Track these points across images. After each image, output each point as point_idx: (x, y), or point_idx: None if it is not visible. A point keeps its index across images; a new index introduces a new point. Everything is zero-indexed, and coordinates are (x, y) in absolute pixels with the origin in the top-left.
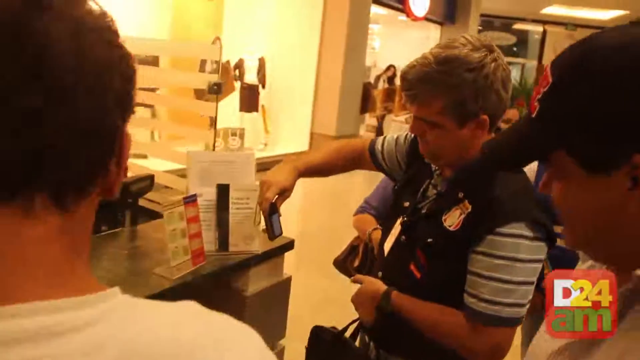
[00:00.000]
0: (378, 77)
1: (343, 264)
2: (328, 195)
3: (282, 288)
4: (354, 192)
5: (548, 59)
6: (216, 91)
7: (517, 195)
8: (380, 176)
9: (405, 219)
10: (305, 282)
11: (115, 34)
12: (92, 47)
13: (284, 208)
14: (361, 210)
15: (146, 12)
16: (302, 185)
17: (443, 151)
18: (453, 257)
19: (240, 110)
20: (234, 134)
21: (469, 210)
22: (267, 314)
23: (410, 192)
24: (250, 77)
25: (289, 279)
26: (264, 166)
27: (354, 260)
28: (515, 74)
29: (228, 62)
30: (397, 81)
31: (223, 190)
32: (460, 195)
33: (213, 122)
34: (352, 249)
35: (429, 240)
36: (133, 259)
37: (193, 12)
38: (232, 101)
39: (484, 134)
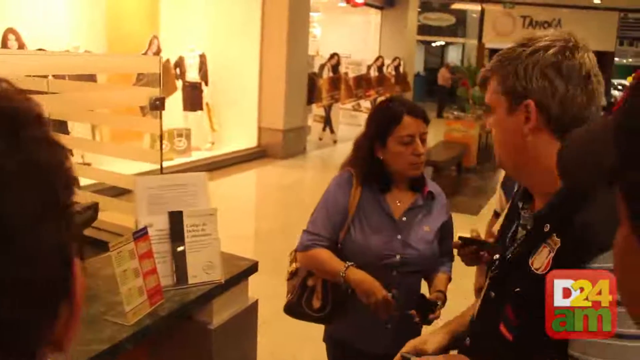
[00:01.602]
0: (322, 66)
1: (297, 308)
2: (279, 191)
3: (249, 314)
4: (304, 186)
5: (488, 37)
6: (158, 107)
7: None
8: (324, 183)
9: (493, 272)
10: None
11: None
12: None
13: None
14: (311, 243)
15: (78, 9)
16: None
17: (502, 149)
18: None
19: (184, 109)
20: (179, 135)
21: (558, 245)
22: (235, 344)
23: (502, 241)
24: (192, 75)
25: (255, 303)
26: (213, 165)
27: (311, 301)
28: (456, 55)
29: (168, 60)
30: (342, 69)
31: (176, 219)
32: (547, 228)
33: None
34: (302, 289)
35: (517, 290)
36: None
37: (127, 9)
38: (175, 101)
39: (543, 133)
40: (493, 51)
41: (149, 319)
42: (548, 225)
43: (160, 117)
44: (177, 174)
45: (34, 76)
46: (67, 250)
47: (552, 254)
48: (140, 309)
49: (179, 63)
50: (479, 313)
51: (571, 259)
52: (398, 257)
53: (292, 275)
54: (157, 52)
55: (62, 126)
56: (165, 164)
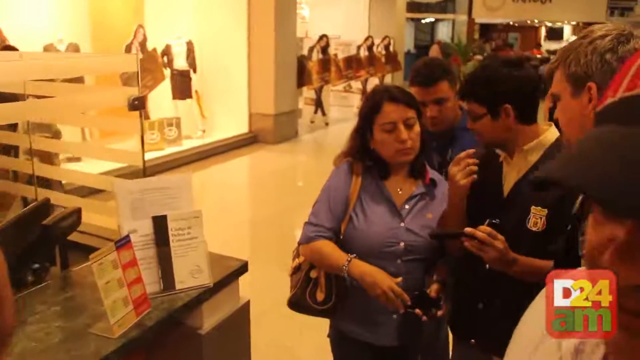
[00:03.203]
0: (311, 48)
1: (301, 302)
2: (275, 176)
3: (241, 315)
4: (297, 170)
5: (478, 12)
6: (137, 107)
7: None
8: (318, 167)
9: None
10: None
11: None
12: None
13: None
14: (314, 235)
15: (60, 0)
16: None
17: (569, 130)
18: None
19: (174, 98)
20: (170, 124)
21: None
22: (227, 347)
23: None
24: (180, 63)
25: (246, 304)
26: (205, 154)
27: (315, 293)
28: (446, 31)
29: (154, 49)
30: (332, 50)
31: (160, 223)
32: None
33: (140, 138)
34: (306, 282)
35: None
36: (67, 316)
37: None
38: (163, 90)
39: None
40: (483, 26)
41: (135, 330)
42: None
43: (141, 117)
44: (159, 177)
45: None
46: None
47: None
48: (126, 321)
49: (166, 51)
50: None
51: None
52: (402, 244)
53: (296, 270)
54: (143, 42)
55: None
56: (157, 154)
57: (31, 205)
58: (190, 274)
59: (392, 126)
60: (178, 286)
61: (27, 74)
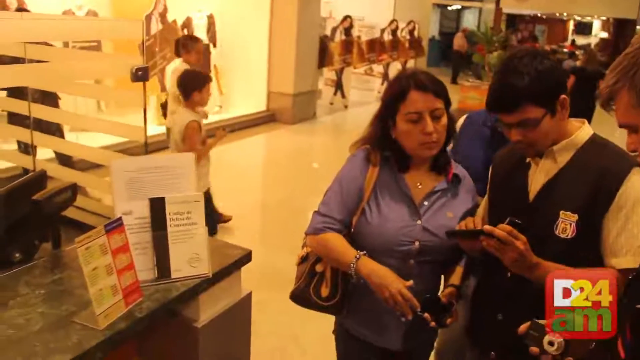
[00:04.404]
0: (334, 29)
1: (304, 295)
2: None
3: (242, 308)
4: (314, 152)
5: (506, 1)
6: (141, 77)
7: None
8: (335, 149)
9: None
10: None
11: None
12: None
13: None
14: (322, 227)
15: None
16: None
17: None
18: None
19: None
20: None
21: None
22: (225, 341)
23: None
24: (200, 36)
25: (248, 296)
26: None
27: (320, 288)
28: (473, 19)
29: (175, 21)
30: (354, 32)
31: (157, 205)
32: None
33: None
34: (311, 275)
35: (638, 307)
36: (51, 301)
37: None
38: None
39: None
40: (510, 16)
41: (124, 322)
42: None
43: (144, 89)
44: (159, 155)
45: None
46: None
47: None
48: (113, 311)
49: (187, 24)
50: None
51: None
52: (417, 243)
53: (303, 260)
54: (164, 13)
55: (48, 97)
56: None
57: (25, 177)
58: (188, 262)
59: (417, 116)
60: (174, 275)
61: (27, 34)
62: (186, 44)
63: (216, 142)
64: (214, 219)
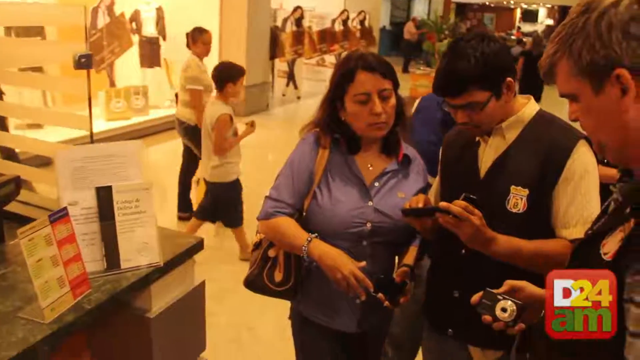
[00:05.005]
0: (285, 20)
1: (258, 281)
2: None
3: (195, 296)
4: (268, 144)
5: None
6: (84, 65)
7: None
8: (288, 141)
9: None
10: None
11: None
12: None
13: None
14: (273, 211)
15: None
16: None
17: (602, 136)
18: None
19: (142, 66)
20: (137, 93)
21: (629, 231)
22: (178, 332)
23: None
24: (149, 30)
25: (201, 285)
26: (173, 124)
27: (273, 273)
28: (422, 8)
29: (122, 14)
30: (306, 23)
31: (104, 195)
32: (628, 210)
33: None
34: (264, 261)
35: None
36: None
37: None
38: (131, 57)
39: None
40: (459, 5)
41: (71, 314)
42: (630, 207)
43: (88, 77)
44: (105, 144)
45: None
46: None
47: (622, 241)
48: (60, 304)
49: (135, 17)
50: None
51: (637, 251)
52: (369, 225)
53: (256, 246)
54: (111, 5)
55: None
56: (122, 123)
57: None
58: (138, 251)
59: (365, 97)
60: (123, 265)
61: None
62: (192, 35)
63: (245, 135)
64: (240, 210)
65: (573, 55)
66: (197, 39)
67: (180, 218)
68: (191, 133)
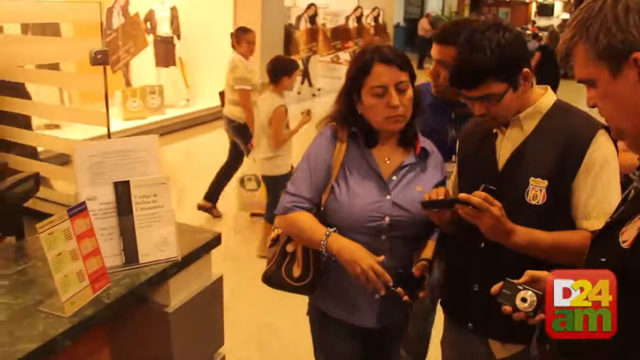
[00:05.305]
0: (299, 17)
1: (276, 277)
2: None
3: (213, 291)
4: None
5: None
6: (101, 61)
7: None
8: (303, 138)
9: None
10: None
11: None
12: None
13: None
14: (291, 206)
15: None
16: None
17: (621, 121)
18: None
19: (157, 65)
20: (152, 92)
21: None
22: (197, 326)
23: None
24: (164, 29)
25: (219, 280)
26: (189, 123)
27: (291, 268)
28: (437, 4)
29: (137, 14)
30: (319, 20)
31: (122, 189)
32: None
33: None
34: (282, 256)
35: (602, 260)
36: (16, 291)
37: None
38: (146, 57)
39: None
40: (474, 0)
41: (91, 308)
42: None
43: (105, 73)
44: (122, 139)
45: None
46: None
47: None
48: (80, 298)
49: (149, 17)
50: None
51: None
52: (387, 219)
53: (274, 242)
54: (125, 6)
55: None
56: (139, 122)
57: None
58: (156, 246)
59: (382, 90)
60: (142, 260)
61: None
62: (236, 34)
63: (301, 126)
64: None
65: (590, 39)
66: (241, 38)
67: (199, 207)
68: (240, 130)
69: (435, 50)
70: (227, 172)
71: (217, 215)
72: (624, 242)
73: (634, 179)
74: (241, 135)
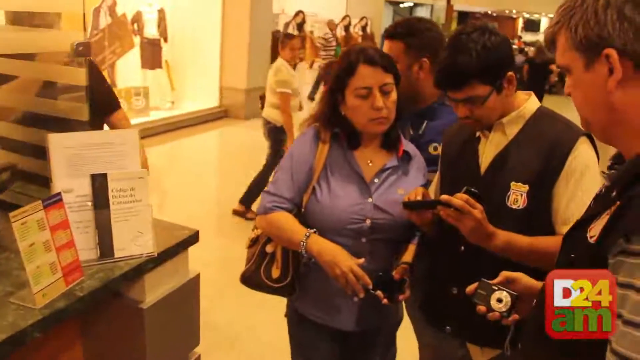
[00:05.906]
0: (287, 24)
1: (255, 277)
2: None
3: (189, 289)
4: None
5: None
6: (82, 53)
7: None
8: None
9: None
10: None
11: None
12: None
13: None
14: (271, 206)
15: None
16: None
17: (586, 112)
18: None
19: (143, 67)
20: (137, 94)
21: (611, 214)
22: (172, 323)
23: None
24: (151, 31)
25: (196, 278)
26: (173, 126)
27: (270, 270)
28: (425, 16)
29: (124, 15)
30: (307, 27)
31: (99, 182)
32: (614, 193)
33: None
34: (261, 257)
35: (572, 256)
36: None
37: None
38: (132, 58)
39: (633, 85)
40: (461, 13)
41: (63, 301)
42: (616, 190)
43: (86, 66)
44: (101, 131)
45: None
46: None
47: (606, 223)
48: (52, 290)
49: (137, 18)
50: None
51: (618, 231)
52: (368, 221)
53: (253, 242)
54: (113, 6)
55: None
56: None
57: None
58: (132, 241)
59: (366, 91)
60: (117, 254)
61: None
62: (282, 40)
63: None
64: None
65: (570, 28)
66: (286, 44)
67: (235, 212)
68: (274, 133)
69: (385, 46)
70: (264, 173)
71: (250, 218)
72: (591, 237)
73: (604, 178)
74: (274, 137)
